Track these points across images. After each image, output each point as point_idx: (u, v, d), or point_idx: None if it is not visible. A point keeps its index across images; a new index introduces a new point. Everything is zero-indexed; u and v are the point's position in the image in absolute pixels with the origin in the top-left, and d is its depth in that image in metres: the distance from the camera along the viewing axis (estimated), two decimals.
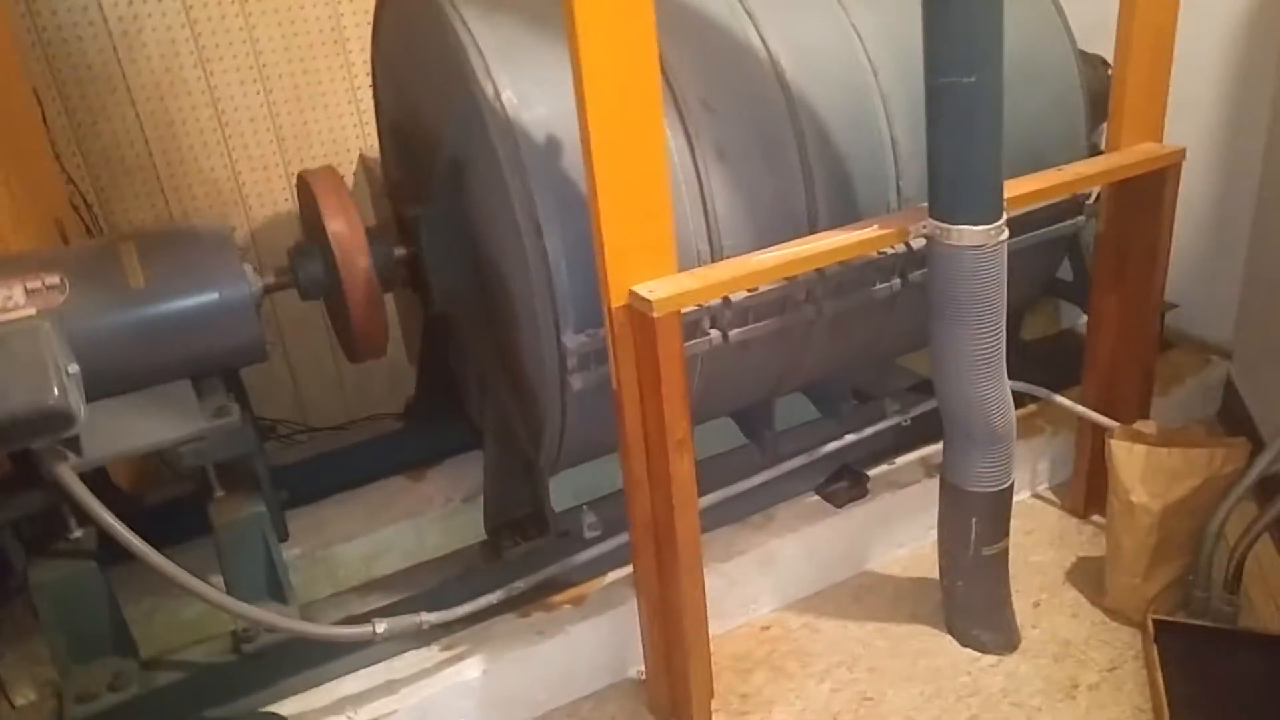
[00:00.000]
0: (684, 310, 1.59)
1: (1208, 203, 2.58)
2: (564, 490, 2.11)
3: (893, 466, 2.35)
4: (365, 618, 1.72)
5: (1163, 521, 1.94)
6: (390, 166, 2.23)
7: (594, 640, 1.97)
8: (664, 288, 1.51)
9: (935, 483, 1.96)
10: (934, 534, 2.03)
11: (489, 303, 1.88)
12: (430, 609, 1.77)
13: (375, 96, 2.23)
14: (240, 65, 2.32)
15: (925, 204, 1.70)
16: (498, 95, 1.58)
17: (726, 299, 1.70)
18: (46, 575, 1.66)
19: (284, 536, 1.93)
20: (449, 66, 1.65)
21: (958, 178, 1.63)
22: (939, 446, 1.95)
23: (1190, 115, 2.23)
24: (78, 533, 1.70)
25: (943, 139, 1.61)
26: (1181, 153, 1.95)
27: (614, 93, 1.40)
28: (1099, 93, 2.13)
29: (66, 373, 1.50)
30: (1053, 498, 2.45)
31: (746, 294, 1.72)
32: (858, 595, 2.20)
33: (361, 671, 1.84)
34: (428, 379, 2.43)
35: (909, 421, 2.30)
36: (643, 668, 1.95)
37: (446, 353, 2.28)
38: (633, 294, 1.52)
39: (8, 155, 1.96)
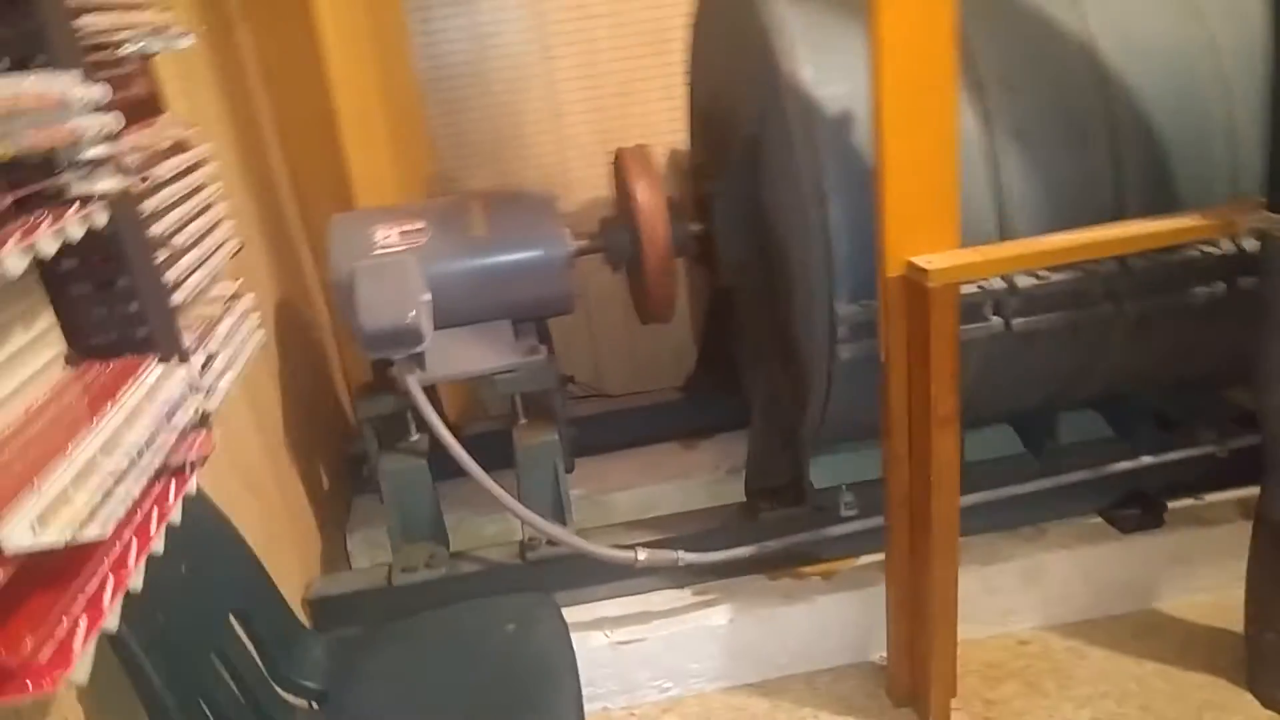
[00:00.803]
0: (965, 292, 1.58)
1: None
2: (826, 472, 2.15)
3: (1200, 502, 2.12)
4: (630, 546, 1.90)
5: None
6: (694, 151, 2.42)
7: (839, 616, 2.00)
8: (942, 260, 1.52)
9: (1250, 525, 1.75)
10: (1244, 582, 1.80)
11: (770, 274, 1.99)
12: (688, 551, 1.90)
13: (688, 86, 2.44)
14: (578, 63, 2.65)
15: (1262, 198, 1.54)
16: (796, 72, 1.69)
17: (1011, 283, 1.65)
18: (390, 465, 2.03)
19: (570, 468, 2.17)
20: (755, 48, 1.78)
21: None
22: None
23: None
24: (416, 436, 2.08)
25: None
26: None
27: (909, 66, 1.44)
28: None
29: (422, 300, 1.85)
30: None
31: (1035, 281, 1.67)
32: (1139, 631, 2.01)
33: (621, 599, 2.03)
34: (708, 356, 2.59)
35: (1225, 454, 2.05)
36: (885, 654, 1.94)
37: (727, 331, 2.42)
38: (910, 264, 1.54)
39: (397, 133, 2.43)
